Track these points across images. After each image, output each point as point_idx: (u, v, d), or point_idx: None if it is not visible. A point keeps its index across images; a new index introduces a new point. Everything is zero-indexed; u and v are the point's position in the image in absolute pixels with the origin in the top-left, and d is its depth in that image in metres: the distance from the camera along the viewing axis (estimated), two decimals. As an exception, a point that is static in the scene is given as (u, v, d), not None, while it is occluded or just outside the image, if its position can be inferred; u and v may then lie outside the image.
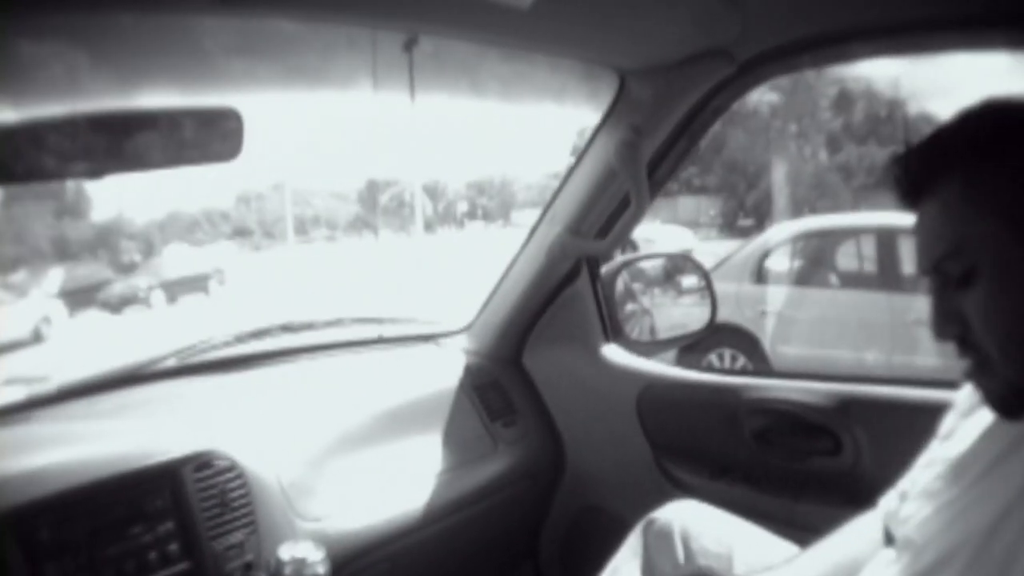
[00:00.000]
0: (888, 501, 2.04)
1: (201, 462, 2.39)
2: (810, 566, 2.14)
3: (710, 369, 3.67)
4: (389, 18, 2.23)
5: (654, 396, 3.26)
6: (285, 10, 2.09)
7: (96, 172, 1.92)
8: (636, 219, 2.94)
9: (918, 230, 1.59)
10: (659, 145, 2.94)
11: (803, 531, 2.27)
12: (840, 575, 2.06)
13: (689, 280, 3.70)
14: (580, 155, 3.11)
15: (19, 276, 24.50)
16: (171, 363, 3.04)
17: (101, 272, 26.50)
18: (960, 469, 1.69)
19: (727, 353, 10.28)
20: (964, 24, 2.32)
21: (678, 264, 3.88)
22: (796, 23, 2.51)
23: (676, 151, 3.01)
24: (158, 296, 24.49)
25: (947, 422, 1.91)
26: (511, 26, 2.27)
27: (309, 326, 3.47)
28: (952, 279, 1.53)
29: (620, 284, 3.47)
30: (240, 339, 3.22)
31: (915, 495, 1.83)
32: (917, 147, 1.59)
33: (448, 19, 2.22)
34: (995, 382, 1.55)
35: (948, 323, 1.56)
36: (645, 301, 3.72)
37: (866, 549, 2.05)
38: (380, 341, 3.54)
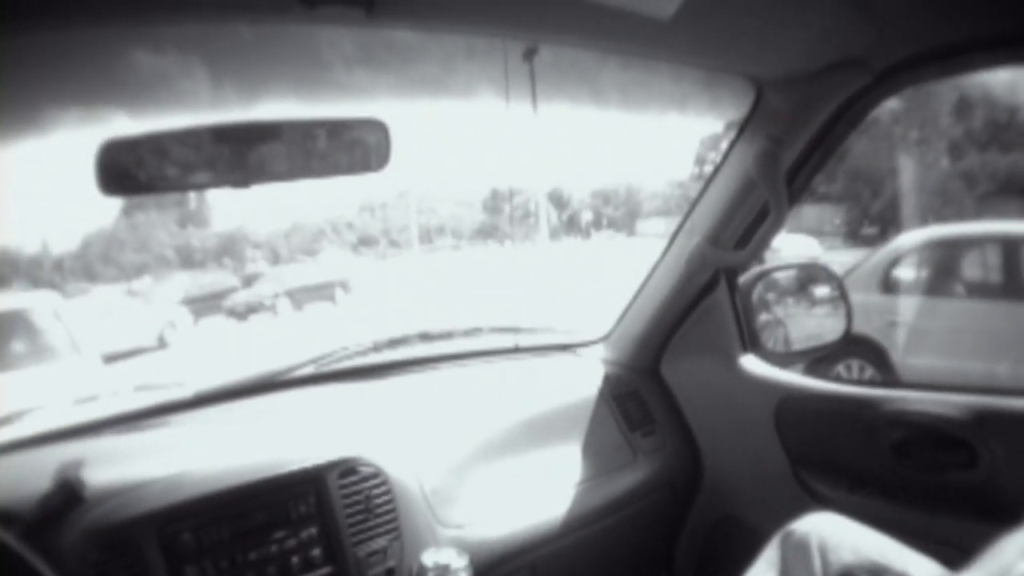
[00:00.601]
0: None
1: (346, 468, 2.43)
2: None
3: (840, 380, 3.62)
4: (518, 27, 2.24)
5: (792, 407, 3.24)
6: (413, 20, 2.10)
7: (229, 182, 1.96)
8: (776, 229, 2.92)
9: None
10: (797, 155, 2.92)
11: (940, 545, 2.26)
12: None
13: (822, 290, 3.67)
14: (718, 165, 3.11)
15: (144, 283, 24.86)
16: (309, 370, 3.08)
17: (227, 280, 26.76)
18: None
19: (855, 364, 10.18)
20: None
21: (811, 274, 3.85)
22: (930, 32, 2.48)
23: (813, 161, 2.98)
24: (284, 304, 24.66)
25: None
26: (650, 36, 2.28)
27: (447, 335, 3.51)
28: None
29: (755, 295, 3.46)
30: (378, 347, 3.26)
31: None
32: None
33: (583, 29, 2.23)
34: None
35: None
36: (779, 312, 3.70)
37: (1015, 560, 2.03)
38: (518, 350, 3.57)
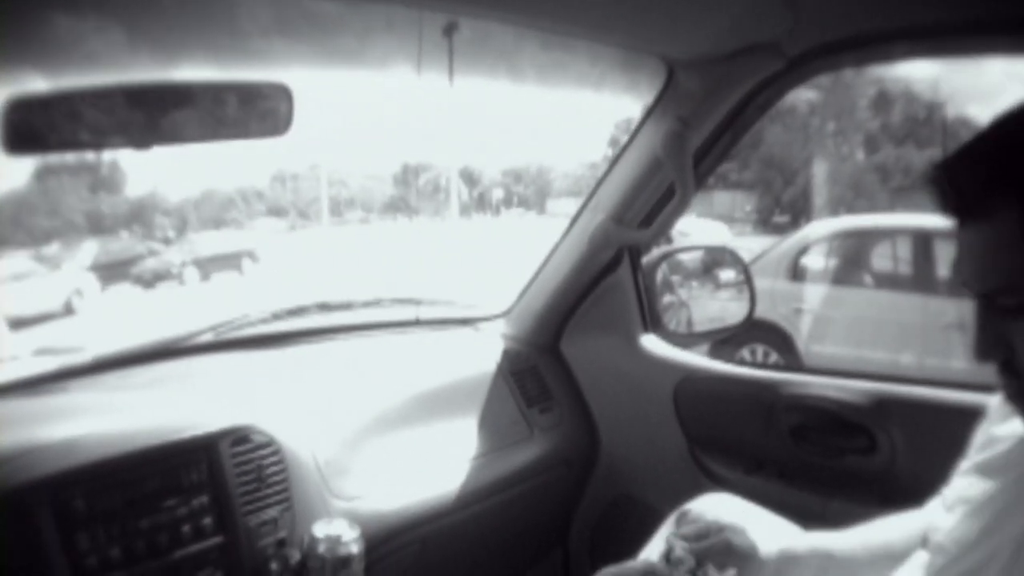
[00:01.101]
0: (933, 509, 2.03)
1: (238, 437, 2.39)
2: (838, 540, 2.15)
3: (741, 363, 3.65)
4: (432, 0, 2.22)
5: (691, 388, 3.26)
6: None
7: (136, 143, 1.93)
8: (680, 210, 2.93)
9: (965, 252, 1.49)
10: (705, 137, 2.92)
11: (836, 529, 2.26)
12: (871, 554, 2.08)
13: (727, 274, 3.69)
14: (626, 144, 3.10)
15: (52, 248, 24.56)
16: (207, 338, 3.05)
17: (135, 247, 26.56)
18: (994, 475, 1.67)
19: (759, 349, 10.32)
20: (1009, 28, 2.31)
21: (717, 257, 3.87)
22: (846, 20, 2.49)
23: (722, 144, 2.99)
24: (191, 273, 24.54)
25: (982, 432, 1.89)
26: (561, 11, 2.27)
27: (347, 306, 3.48)
28: (1001, 307, 1.47)
29: (659, 276, 3.46)
30: (277, 316, 3.23)
31: (950, 503, 1.81)
32: (965, 158, 1.46)
33: (494, 2, 2.21)
34: None
35: (993, 348, 1.49)
36: (683, 293, 3.72)
37: (900, 540, 2.05)
38: (418, 323, 3.54)
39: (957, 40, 2.49)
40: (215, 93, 2.03)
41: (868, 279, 10.42)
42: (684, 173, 2.83)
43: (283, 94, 2.08)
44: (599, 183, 3.23)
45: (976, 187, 1.45)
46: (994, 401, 1.85)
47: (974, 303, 1.53)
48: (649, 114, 2.97)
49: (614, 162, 3.15)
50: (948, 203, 1.49)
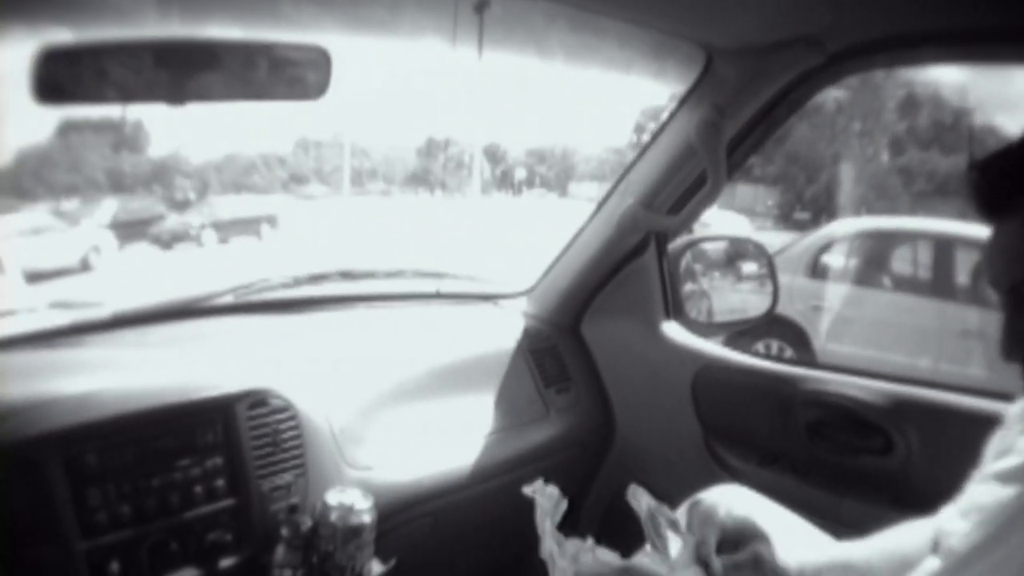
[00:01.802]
0: (947, 515, 2.02)
1: (255, 400, 2.39)
2: (855, 549, 2.13)
3: (760, 355, 3.64)
4: None
5: (710, 377, 3.25)
6: None
7: (165, 99, 1.93)
8: (711, 199, 2.94)
9: (994, 246, 1.53)
10: (740, 128, 2.91)
11: (846, 527, 2.25)
12: (888, 563, 2.05)
13: (750, 266, 3.69)
14: (659, 129, 3.10)
15: (72, 205, 24.57)
16: (227, 300, 3.05)
17: (155, 207, 26.51)
18: (1010, 484, 1.66)
19: (775, 344, 10.30)
20: None
21: (740, 249, 3.86)
22: (886, 19, 2.48)
23: (755, 136, 2.99)
24: (209, 235, 24.53)
25: (999, 439, 1.88)
26: None
27: (370, 275, 3.48)
28: None
29: (683, 264, 3.46)
30: (298, 282, 3.23)
31: (964, 509, 1.80)
32: (1000, 156, 1.53)
33: None
34: None
35: (1020, 345, 1.51)
36: (705, 283, 3.71)
37: (916, 548, 2.03)
38: (440, 296, 3.55)
39: (992, 46, 2.50)
40: (248, 53, 2.02)
41: (888, 281, 10.41)
42: (717, 162, 2.82)
43: (322, 58, 2.07)
44: (630, 167, 3.22)
45: (1008, 185, 1.50)
46: (1012, 409, 1.85)
47: (1002, 301, 1.54)
48: (685, 101, 2.96)
49: (646, 147, 3.15)
50: (982, 201, 1.53)
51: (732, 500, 2.40)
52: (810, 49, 2.61)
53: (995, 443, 1.86)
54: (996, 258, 1.53)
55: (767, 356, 7.42)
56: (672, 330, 3.39)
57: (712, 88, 2.83)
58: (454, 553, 3.09)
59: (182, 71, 1.90)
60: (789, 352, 10.25)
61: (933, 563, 1.79)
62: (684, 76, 2.91)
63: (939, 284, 9.76)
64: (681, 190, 3.09)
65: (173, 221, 25.30)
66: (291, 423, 2.45)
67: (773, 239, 15.12)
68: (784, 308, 9.91)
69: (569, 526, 3.46)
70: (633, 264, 3.37)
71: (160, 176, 30.21)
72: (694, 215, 3.07)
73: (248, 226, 25.51)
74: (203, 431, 2.28)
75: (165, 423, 2.22)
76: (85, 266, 19.88)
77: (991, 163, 1.54)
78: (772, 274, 3.51)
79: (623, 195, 3.20)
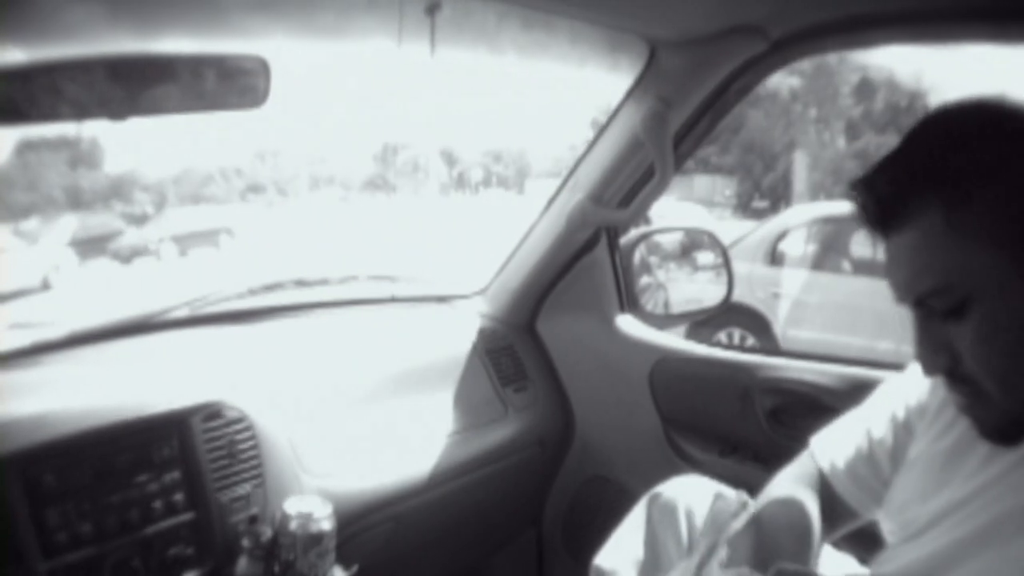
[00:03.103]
0: (830, 458, 2.10)
1: (210, 412, 2.38)
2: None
3: (718, 345, 3.65)
4: None
5: (667, 369, 3.26)
6: None
7: (115, 115, 1.92)
8: (659, 190, 2.93)
9: (894, 262, 1.52)
10: (686, 118, 2.91)
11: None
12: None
13: (705, 256, 3.70)
14: (606, 124, 3.09)
15: (31, 224, 24.56)
16: (183, 313, 3.03)
17: (113, 223, 26.53)
18: (981, 460, 1.65)
19: (736, 333, 10.34)
20: (994, 14, 2.30)
21: (696, 239, 3.87)
22: (830, 3, 2.48)
23: (702, 126, 2.98)
24: (169, 249, 24.54)
25: (904, 410, 1.90)
26: None
27: (323, 282, 3.46)
28: (939, 311, 1.46)
29: (637, 257, 3.47)
30: (253, 292, 3.21)
31: (915, 489, 1.80)
32: (881, 170, 1.52)
33: None
34: (991, 414, 1.49)
35: (937, 356, 1.48)
36: (660, 275, 3.72)
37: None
38: (394, 300, 3.53)
39: (941, 25, 2.48)
40: (194, 66, 2.01)
41: (847, 265, 10.41)
42: (664, 154, 2.82)
43: (261, 67, 2.07)
44: (578, 162, 3.21)
45: (896, 193, 1.48)
46: (915, 386, 1.88)
47: (912, 315, 1.53)
48: (630, 94, 2.95)
49: (594, 142, 3.14)
50: (872, 216, 1.53)
51: (692, 491, 2.41)
52: (752, 37, 2.61)
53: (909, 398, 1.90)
54: (897, 273, 1.52)
55: (726, 345, 7.47)
56: (627, 324, 3.40)
57: (657, 80, 2.83)
58: (417, 556, 3.09)
59: (136, 85, 1.90)
60: (751, 340, 10.28)
61: (898, 545, 1.79)
62: (635, 69, 2.91)
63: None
64: (630, 183, 3.08)
65: (132, 236, 25.39)
66: (247, 434, 2.44)
67: (732, 228, 15.18)
68: (744, 297, 10.03)
69: (532, 523, 3.48)
70: (585, 259, 3.37)
71: (118, 191, 30.25)
72: (643, 208, 3.07)
73: (207, 238, 25.58)
74: (159, 446, 2.27)
75: (121, 440, 2.21)
76: (46, 285, 19.87)
77: (875, 178, 1.52)
78: (727, 263, 3.52)
79: (572, 191, 3.20)
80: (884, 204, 1.49)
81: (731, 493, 2.24)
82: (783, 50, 2.69)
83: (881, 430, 1.97)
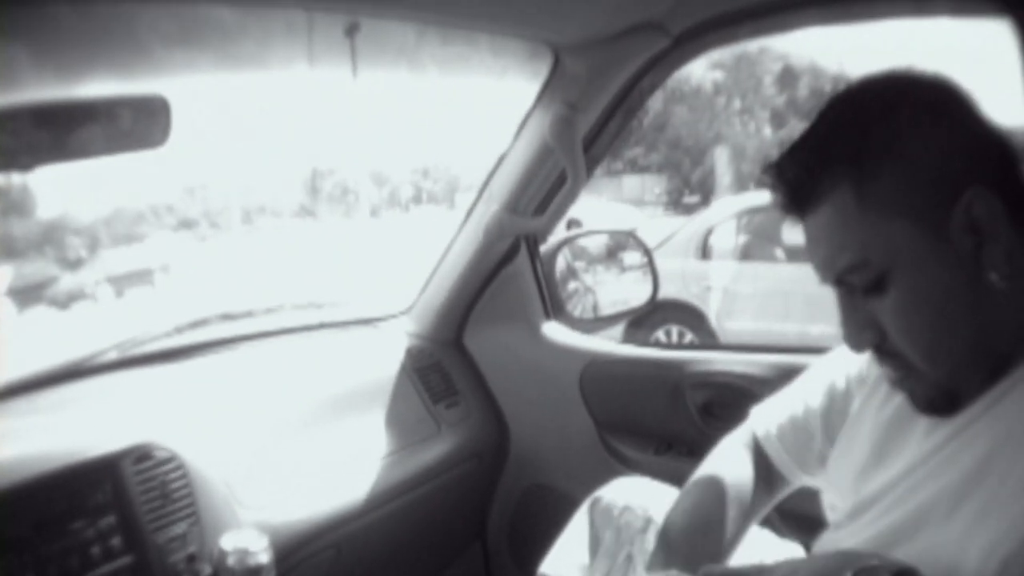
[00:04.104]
0: (765, 428, 2.12)
1: (140, 454, 2.36)
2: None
3: (647, 344, 3.66)
4: (325, 2, 2.22)
5: (597, 373, 3.27)
6: None
7: (32, 163, 1.91)
8: (573, 195, 2.94)
9: (812, 241, 1.53)
10: (595, 120, 2.93)
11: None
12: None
13: (632, 257, 3.71)
14: (516, 133, 3.10)
15: (-35, 277, 24.36)
16: (111, 356, 3.01)
17: (48, 269, 26.36)
18: (921, 433, 1.65)
19: (674, 329, 10.37)
20: None
21: (620, 241, 3.89)
22: None
23: (612, 126, 3.00)
24: (105, 291, 24.40)
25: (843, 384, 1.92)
26: (456, 5, 2.26)
27: (248, 314, 3.45)
28: (860, 288, 1.48)
29: (562, 262, 3.48)
30: (180, 330, 3.19)
31: (861, 460, 1.80)
32: (791, 153, 1.53)
33: (384, 0, 2.21)
34: (922, 386, 1.51)
35: (863, 332, 1.50)
36: (588, 279, 3.73)
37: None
38: (320, 326, 3.52)
39: (846, 5, 2.49)
40: (109, 107, 2.01)
41: (780, 253, 10.47)
42: (574, 158, 2.83)
43: (159, 104, 2.06)
44: (491, 174, 3.22)
45: (806, 174, 1.49)
46: (847, 363, 1.90)
47: (835, 293, 1.54)
48: (538, 101, 2.97)
49: (505, 152, 3.15)
50: (786, 199, 1.54)
51: (631, 492, 2.42)
52: (654, 34, 2.62)
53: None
54: (816, 252, 1.53)
55: (656, 344, 7.50)
56: (554, 330, 3.42)
57: (562, 85, 2.83)
58: None
59: (62, 130, 1.89)
60: (689, 335, 10.35)
61: (848, 520, 1.79)
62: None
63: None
64: (544, 190, 3.10)
65: (68, 281, 25.20)
66: (178, 473, 2.42)
67: (664, 225, 15.23)
68: (679, 292, 10.14)
69: (476, 537, 3.48)
70: (507, 270, 3.38)
71: (50, 237, 30.00)
72: (559, 214, 3.07)
73: (142, 277, 25.44)
74: (92, 492, 2.26)
75: (55, 488, 2.20)
76: (-15, 338, 19.67)
77: (785, 161, 1.53)
78: (651, 262, 3.52)
79: (487, 203, 3.20)
80: (796, 186, 1.51)
81: (639, 505, 2.27)
82: (686, 45, 2.71)
83: (817, 400, 1.99)
